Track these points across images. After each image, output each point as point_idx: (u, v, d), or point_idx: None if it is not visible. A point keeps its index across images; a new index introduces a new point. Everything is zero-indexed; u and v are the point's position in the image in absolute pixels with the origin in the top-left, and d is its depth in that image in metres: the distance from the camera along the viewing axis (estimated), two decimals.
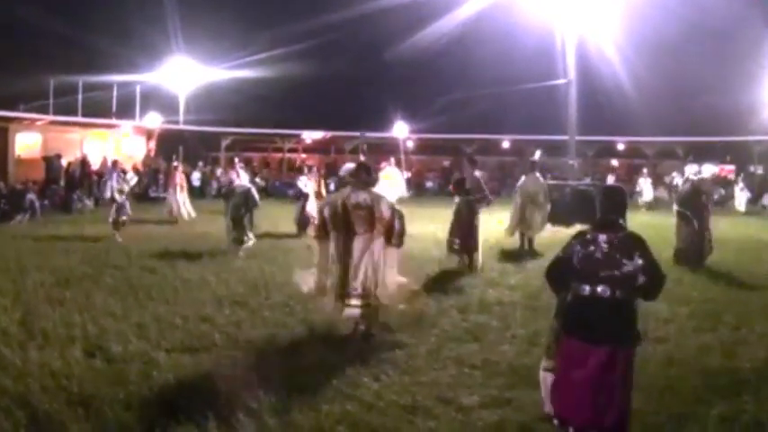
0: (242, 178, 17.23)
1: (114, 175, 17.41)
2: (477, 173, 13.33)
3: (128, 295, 10.08)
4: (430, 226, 18.20)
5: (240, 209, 15.10)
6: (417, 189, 38.04)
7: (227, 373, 6.67)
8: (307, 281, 8.55)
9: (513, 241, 16.11)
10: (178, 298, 10.01)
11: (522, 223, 15.86)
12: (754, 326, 8.65)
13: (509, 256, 14.57)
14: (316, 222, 8.57)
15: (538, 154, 18.78)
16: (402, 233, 8.26)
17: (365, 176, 8.61)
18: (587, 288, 4.75)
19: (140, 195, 27.83)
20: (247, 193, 15.43)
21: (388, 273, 8.22)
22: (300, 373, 6.64)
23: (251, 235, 15.13)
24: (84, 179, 28.92)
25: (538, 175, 16.77)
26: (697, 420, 5.70)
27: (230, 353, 7.44)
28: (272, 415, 5.66)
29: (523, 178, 16.77)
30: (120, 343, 7.57)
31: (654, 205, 31.30)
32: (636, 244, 4.82)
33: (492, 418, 5.73)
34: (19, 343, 7.50)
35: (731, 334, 8.37)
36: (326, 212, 8.34)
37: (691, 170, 14.41)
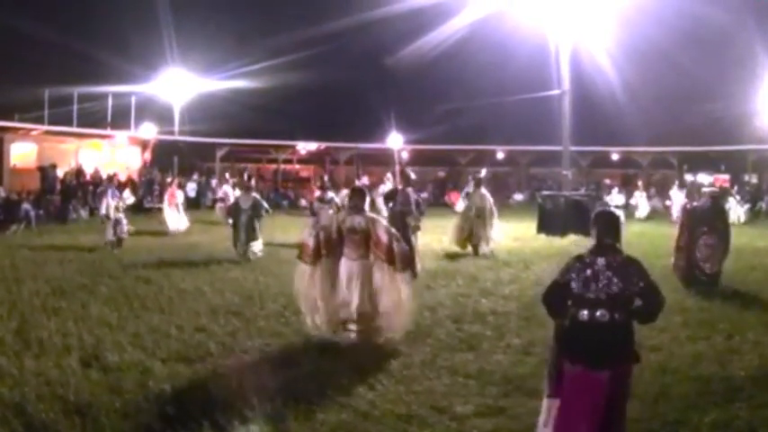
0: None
1: (110, 191, 17.43)
2: (410, 189, 13.92)
3: (123, 305, 10.09)
4: (424, 237, 18.20)
5: (253, 220, 15.55)
6: None
7: (222, 383, 6.69)
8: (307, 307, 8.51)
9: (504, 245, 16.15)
10: (173, 308, 10.02)
11: (471, 236, 16.79)
12: (747, 334, 8.67)
13: (503, 265, 14.59)
14: (310, 246, 8.46)
15: (484, 171, 19.44)
16: (403, 256, 8.19)
17: (360, 201, 8.60)
18: (586, 313, 4.75)
19: (135, 206, 27.82)
20: (255, 204, 15.70)
21: (392, 297, 8.19)
22: (295, 383, 6.66)
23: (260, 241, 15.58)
24: (80, 189, 28.91)
25: (484, 191, 17.51)
26: (691, 427, 5.73)
27: (226, 362, 7.45)
28: (267, 424, 5.68)
29: (471, 195, 17.62)
30: (115, 352, 7.58)
31: (649, 216, 31.38)
32: (635, 267, 4.85)
33: (486, 427, 5.75)
34: (15, 352, 7.51)
35: (725, 342, 8.40)
36: (322, 236, 8.34)
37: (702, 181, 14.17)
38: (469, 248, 16.80)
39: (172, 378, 6.81)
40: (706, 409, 6.08)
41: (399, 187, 14.22)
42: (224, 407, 5.90)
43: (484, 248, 16.64)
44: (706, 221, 12.18)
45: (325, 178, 27.72)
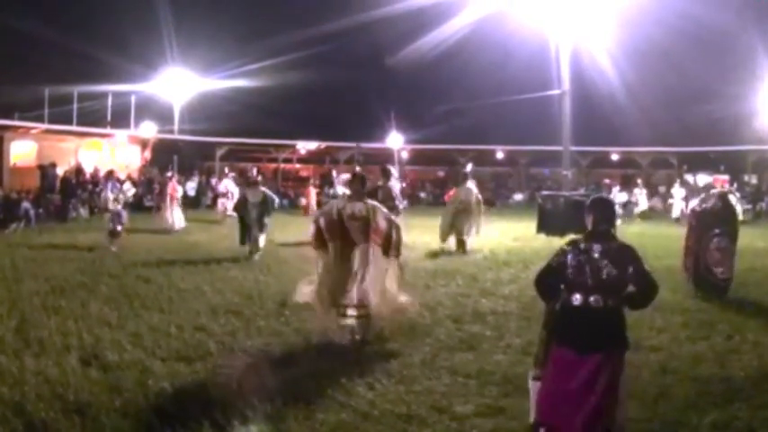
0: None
1: (109, 186, 17.42)
2: (391, 183, 13.90)
3: (123, 304, 10.09)
4: (424, 236, 18.23)
5: (263, 216, 15.58)
6: (411, 200, 38.06)
7: (222, 382, 6.69)
8: (304, 291, 8.56)
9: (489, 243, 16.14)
10: (173, 307, 10.01)
11: (453, 229, 17.09)
12: (747, 334, 8.67)
13: (503, 265, 14.60)
14: (312, 232, 8.51)
15: (470, 166, 19.70)
16: (399, 244, 8.29)
17: (360, 187, 8.64)
18: (579, 298, 4.77)
19: (135, 205, 27.83)
20: (266, 198, 15.70)
21: (386, 284, 8.24)
22: (295, 382, 6.65)
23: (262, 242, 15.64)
24: (79, 188, 28.91)
25: (469, 185, 17.80)
26: (690, 428, 5.72)
27: (225, 362, 7.44)
28: (267, 423, 5.67)
29: (456, 189, 18.22)
30: (115, 351, 7.58)
31: (648, 215, 31.39)
32: (629, 254, 4.88)
33: (486, 427, 5.74)
34: (15, 351, 7.50)
35: (724, 342, 8.39)
36: (322, 222, 8.35)
37: (702, 180, 13.68)
38: (450, 243, 17.10)
39: (171, 377, 6.81)
40: (706, 409, 6.07)
41: (380, 183, 14.40)
42: (224, 406, 5.89)
43: (469, 241, 16.98)
44: (717, 224, 11.58)
45: (334, 174, 27.63)
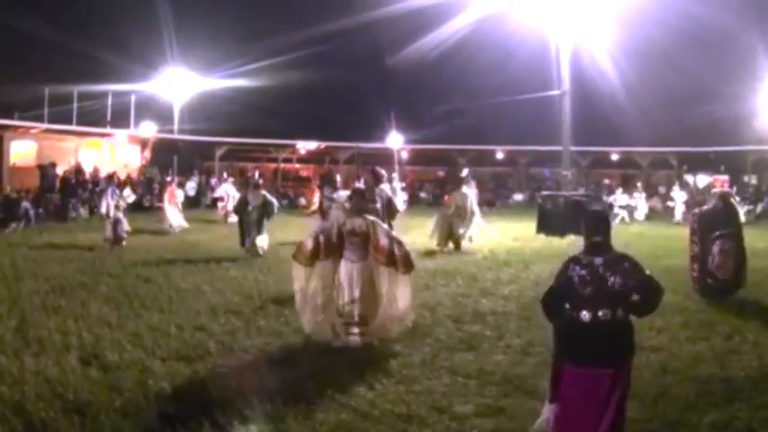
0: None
1: (110, 191, 17.44)
2: (382, 186, 13.80)
3: (123, 304, 10.10)
4: (424, 236, 18.21)
5: (262, 217, 15.75)
6: (411, 200, 38.01)
7: (221, 382, 6.70)
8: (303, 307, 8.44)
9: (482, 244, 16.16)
10: (173, 307, 10.03)
11: (450, 236, 17.35)
12: (747, 335, 8.68)
13: (503, 265, 14.59)
14: (308, 247, 8.32)
15: (466, 171, 19.74)
16: (406, 258, 8.16)
17: (360, 202, 8.62)
18: (587, 314, 4.74)
19: (135, 205, 27.82)
20: (266, 201, 15.76)
21: (391, 303, 8.17)
22: (295, 382, 6.66)
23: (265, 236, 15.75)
24: (79, 188, 28.89)
25: (465, 189, 18.24)
26: (690, 428, 5.74)
27: (225, 361, 7.45)
28: (266, 423, 5.68)
29: (453, 194, 18.49)
30: (115, 351, 7.59)
31: (648, 216, 31.34)
32: (629, 263, 4.87)
33: (486, 427, 5.75)
34: (14, 351, 7.52)
35: (724, 343, 8.40)
36: (322, 240, 8.29)
37: (702, 181, 13.43)
38: (450, 246, 17.27)
39: (171, 377, 6.82)
40: (705, 409, 6.08)
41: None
42: (224, 406, 5.91)
43: (466, 242, 17.33)
44: (719, 225, 11.37)
45: (338, 177, 27.49)
